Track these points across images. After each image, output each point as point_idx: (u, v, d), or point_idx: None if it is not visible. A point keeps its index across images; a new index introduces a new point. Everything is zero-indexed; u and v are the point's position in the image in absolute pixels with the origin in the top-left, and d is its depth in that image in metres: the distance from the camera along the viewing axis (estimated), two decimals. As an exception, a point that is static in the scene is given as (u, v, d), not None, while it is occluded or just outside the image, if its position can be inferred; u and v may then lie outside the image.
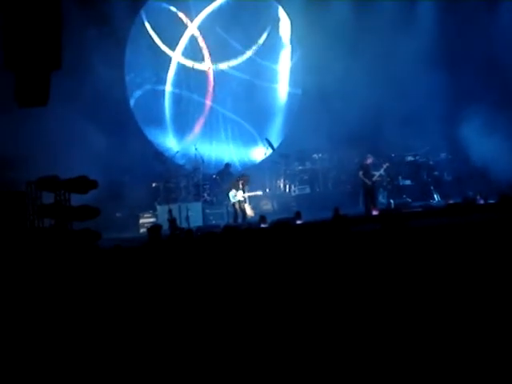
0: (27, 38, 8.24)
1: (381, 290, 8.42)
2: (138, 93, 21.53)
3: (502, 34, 21.08)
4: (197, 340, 7.21)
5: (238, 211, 18.27)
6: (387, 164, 19.12)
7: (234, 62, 22.59)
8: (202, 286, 9.30)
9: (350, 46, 20.76)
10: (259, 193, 19.02)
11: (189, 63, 22.22)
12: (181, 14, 21.96)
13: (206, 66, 22.39)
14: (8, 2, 8.08)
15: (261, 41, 22.72)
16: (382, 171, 18.98)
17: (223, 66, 22.51)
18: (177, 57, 22.04)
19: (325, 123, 20.53)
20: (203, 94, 22.43)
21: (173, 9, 21.87)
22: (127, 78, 21.22)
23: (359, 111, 20.17)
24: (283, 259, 10.62)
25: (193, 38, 22.20)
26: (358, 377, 6.07)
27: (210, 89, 22.49)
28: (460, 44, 21.43)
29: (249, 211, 18.49)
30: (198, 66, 22.33)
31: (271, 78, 23.20)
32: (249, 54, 22.63)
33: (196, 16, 22.16)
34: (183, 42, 22.09)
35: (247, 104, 22.59)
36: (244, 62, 22.66)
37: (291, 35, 23.10)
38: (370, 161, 18.77)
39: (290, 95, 23.28)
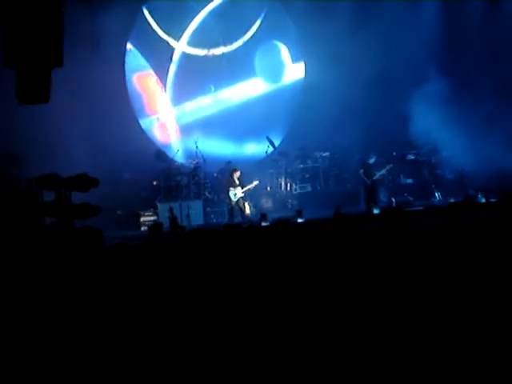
0: (28, 36, 8.27)
1: (381, 289, 8.43)
2: (137, 88, 21.48)
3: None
4: (198, 337, 7.22)
5: (235, 209, 18.27)
6: (391, 165, 19.15)
7: (229, 48, 22.30)
8: (202, 284, 9.31)
9: (354, 44, 20.64)
10: (256, 182, 18.84)
11: (197, 51, 22.01)
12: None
13: (219, 51, 22.18)
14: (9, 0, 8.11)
15: (257, 24, 22.33)
16: (383, 171, 18.98)
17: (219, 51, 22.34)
18: (181, 47, 21.84)
19: (326, 121, 20.47)
20: (208, 88, 22.30)
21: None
22: (127, 75, 21.18)
23: (362, 108, 20.23)
24: (284, 257, 10.63)
25: (202, 25, 21.90)
26: (357, 375, 6.07)
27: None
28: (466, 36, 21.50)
29: (247, 210, 18.47)
30: (210, 52, 22.04)
31: (274, 74, 23.11)
32: (245, 39, 22.38)
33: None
34: (190, 29, 21.80)
35: (247, 100, 22.53)
36: (243, 55, 22.45)
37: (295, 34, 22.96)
38: (372, 160, 18.79)
39: (293, 93, 23.18)
